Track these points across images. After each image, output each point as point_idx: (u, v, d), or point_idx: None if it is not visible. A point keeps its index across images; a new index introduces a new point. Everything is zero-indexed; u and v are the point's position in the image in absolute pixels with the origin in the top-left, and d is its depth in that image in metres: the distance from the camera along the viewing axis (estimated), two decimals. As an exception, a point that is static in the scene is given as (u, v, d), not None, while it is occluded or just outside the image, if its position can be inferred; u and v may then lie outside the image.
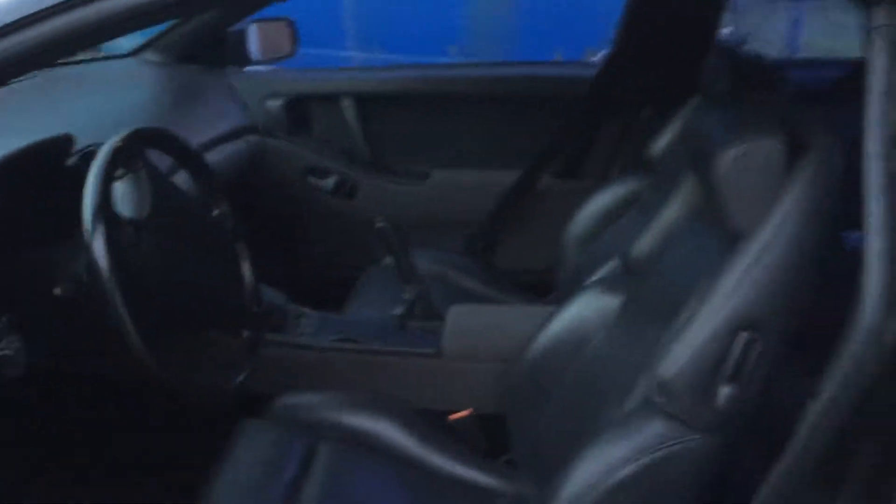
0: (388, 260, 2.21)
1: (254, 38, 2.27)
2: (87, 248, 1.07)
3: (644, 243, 1.44)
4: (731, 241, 1.02)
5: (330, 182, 2.35)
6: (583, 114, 2.31)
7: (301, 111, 2.37)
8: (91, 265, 1.06)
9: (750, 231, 0.98)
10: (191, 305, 1.27)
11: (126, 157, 1.16)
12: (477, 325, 1.71)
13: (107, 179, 1.10)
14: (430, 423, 1.56)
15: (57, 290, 1.13)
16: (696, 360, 0.97)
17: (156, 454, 1.57)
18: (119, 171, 1.15)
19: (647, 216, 1.91)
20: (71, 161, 1.36)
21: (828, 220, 0.97)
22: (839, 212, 0.98)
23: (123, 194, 1.16)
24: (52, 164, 1.32)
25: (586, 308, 1.43)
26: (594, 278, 1.75)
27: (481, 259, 2.40)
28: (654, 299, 1.25)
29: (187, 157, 1.36)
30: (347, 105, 2.35)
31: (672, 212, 1.41)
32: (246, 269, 1.39)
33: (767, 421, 1.00)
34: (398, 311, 1.75)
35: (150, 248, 1.16)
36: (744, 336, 0.95)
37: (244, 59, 2.28)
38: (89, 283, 1.10)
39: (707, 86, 1.60)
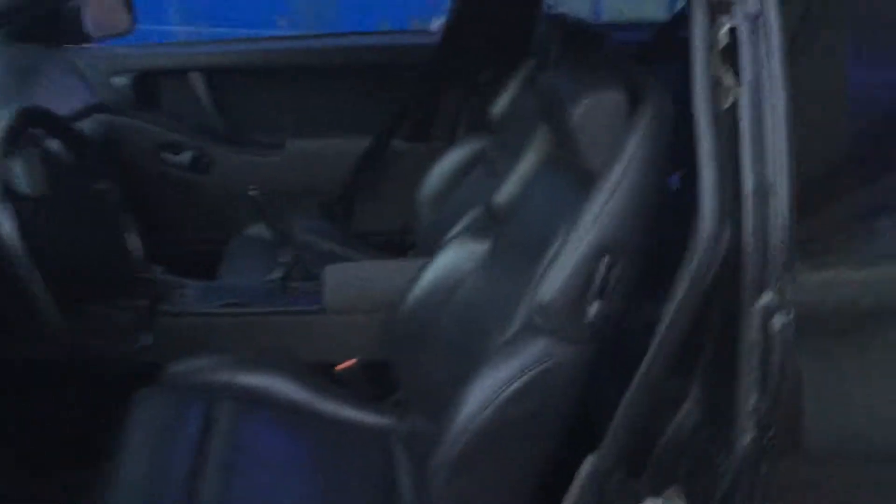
0: (252, 230, 2.29)
1: (88, 13, 2.23)
2: None
3: (504, 192, 1.59)
4: (586, 181, 1.20)
5: (185, 157, 2.36)
6: (427, 80, 2.44)
7: (149, 87, 2.37)
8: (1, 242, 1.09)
9: (602, 171, 1.16)
10: (87, 278, 1.31)
11: (15, 137, 1.19)
12: (354, 280, 1.82)
13: (1, 158, 1.13)
14: (319, 375, 1.68)
15: None
16: (568, 283, 1.14)
17: (51, 433, 1.59)
18: (11, 150, 1.17)
19: (494, 170, 2.09)
20: None
21: (665, 158, 1.16)
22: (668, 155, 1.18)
23: (18, 173, 1.18)
24: None
25: (456, 256, 1.58)
26: (457, 230, 1.91)
27: (339, 224, 2.50)
28: (521, 239, 1.41)
29: (67, 133, 1.38)
30: (196, 79, 2.37)
31: (527, 162, 1.58)
32: (134, 240, 1.44)
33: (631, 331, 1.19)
34: (277, 273, 1.84)
35: (48, 224, 1.20)
36: (606, 259, 1.13)
37: (81, 37, 2.25)
38: None
39: (541, 50, 1.79)
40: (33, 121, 1.29)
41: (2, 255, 1.10)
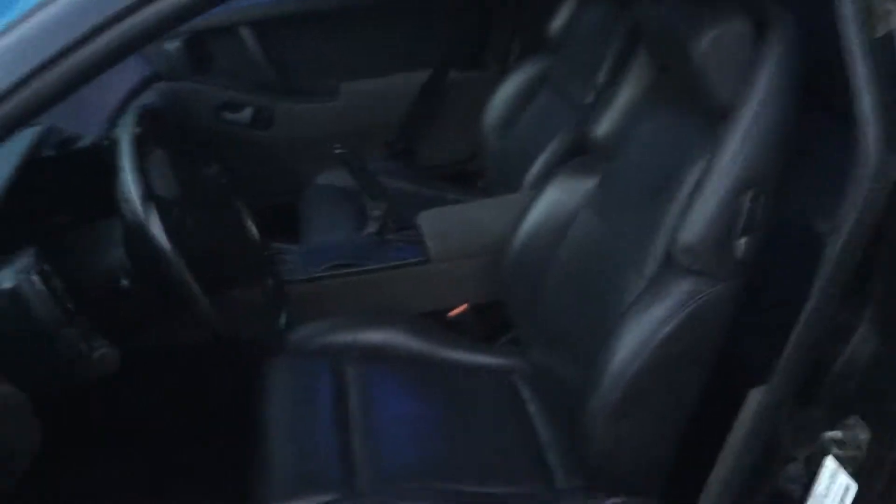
0: (322, 179, 2.29)
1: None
2: (136, 234, 1.11)
3: (604, 126, 1.57)
4: (713, 115, 1.18)
5: (246, 114, 2.35)
6: (476, 4, 2.39)
7: (200, 48, 2.33)
8: (152, 248, 1.10)
9: (735, 104, 1.14)
10: (223, 266, 1.33)
11: (144, 141, 1.19)
12: (452, 225, 1.83)
13: (140, 165, 1.14)
14: (433, 324, 1.71)
15: (123, 283, 1.17)
16: (713, 221, 1.14)
17: (204, 409, 1.64)
18: (143, 155, 1.18)
19: (565, 93, 2.06)
20: (48, 153, 1.35)
21: (798, 88, 1.15)
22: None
23: (155, 176, 1.19)
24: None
25: (561, 192, 1.57)
26: (542, 161, 1.91)
27: (404, 161, 2.50)
28: (637, 175, 1.41)
29: (173, 127, 1.38)
30: (246, 34, 2.33)
31: (626, 93, 1.56)
32: (251, 220, 1.45)
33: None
34: (372, 228, 1.85)
35: (188, 220, 1.21)
36: (749, 193, 1.13)
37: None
38: (148, 267, 1.14)
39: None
40: (152, 121, 1.28)
41: (156, 255, 1.12)
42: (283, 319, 1.42)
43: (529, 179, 1.89)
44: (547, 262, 1.56)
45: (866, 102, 0.96)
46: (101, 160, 1.26)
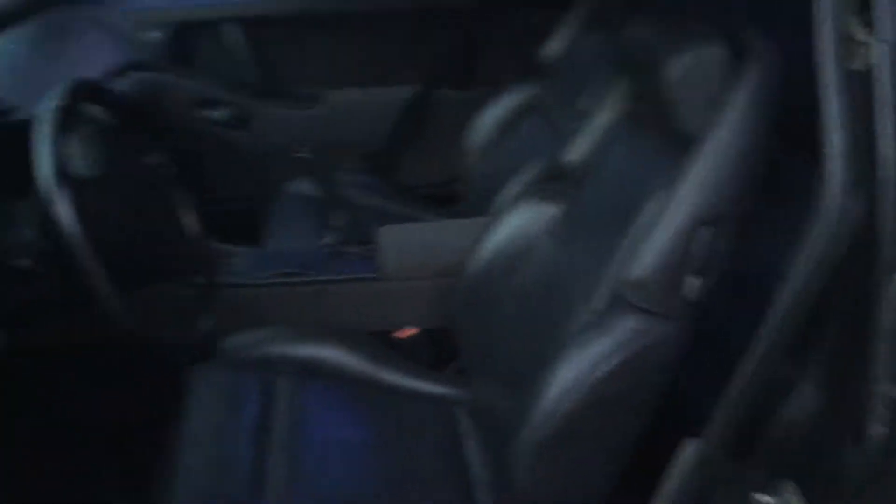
0: (294, 186, 2.21)
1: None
2: (48, 214, 1.02)
3: (576, 151, 1.50)
4: (681, 143, 1.10)
5: (223, 113, 2.28)
6: (471, 22, 2.33)
7: (183, 41, 2.27)
8: (59, 230, 1.01)
9: (703, 133, 1.05)
10: (146, 258, 1.24)
11: (69, 115, 1.11)
12: (412, 243, 1.75)
13: (56, 140, 1.05)
14: (378, 344, 1.61)
15: (22, 262, 1.08)
16: (664, 257, 1.05)
17: (113, 415, 1.54)
18: (65, 130, 1.09)
19: (551, 120, 1.99)
20: None
21: (771, 122, 1.06)
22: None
23: (75, 154, 1.10)
24: None
25: (525, 218, 1.49)
26: (517, 186, 1.82)
27: (384, 177, 2.42)
28: (601, 204, 1.32)
29: (117, 105, 1.30)
30: (231, 31, 2.27)
31: (601, 119, 1.48)
32: (190, 216, 1.36)
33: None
34: (330, 238, 1.76)
35: (108, 204, 1.12)
36: (707, 230, 1.04)
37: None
38: (55, 250, 1.05)
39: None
40: (85, 95, 1.20)
41: (61, 241, 1.03)
42: (205, 323, 1.32)
43: (498, 204, 1.80)
44: (501, 290, 1.48)
45: (836, 139, 0.87)
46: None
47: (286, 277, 1.67)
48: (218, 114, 2.27)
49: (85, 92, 1.20)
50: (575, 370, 1.10)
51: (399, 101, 2.36)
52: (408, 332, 1.67)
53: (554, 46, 2.09)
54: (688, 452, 1.03)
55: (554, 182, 1.55)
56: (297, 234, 1.93)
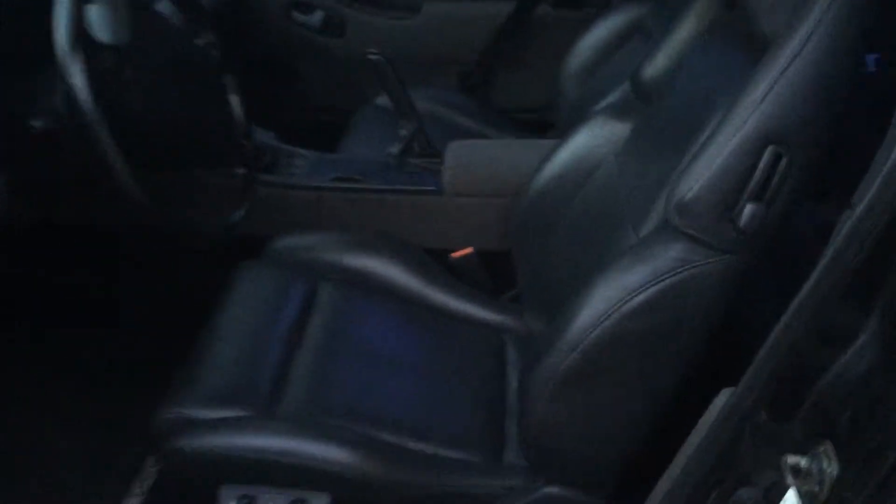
0: (382, 99, 2.13)
1: None
2: (63, 77, 0.98)
3: (656, 65, 1.35)
4: (757, 50, 0.95)
5: (317, 18, 2.22)
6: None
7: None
8: (70, 94, 0.98)
9: (779, 36, 0.90)
10: (178, 141, 1.20)
11: None
12: (477, 160, 1.65)
13: (79, 1, 1.01)
14: (432, 262, 1.53)
15: (36, 123, 1.06)
16: (719, 177, 0.91)
17: (153, 303, 1.54)
18: None
19: (653, 42, 1.82)
20: None
21: (860, 29, 0.89)
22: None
23: (99, 18, 1.06)
24: None
25: (593, 136, 1.36)
26: (599, 107, 1.68)
27: (477, 96, 2.31)
28: (669, 121, 1.18)
29: None
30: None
31: (684, 31, 1.32)
32: (235, 103, 1.31)
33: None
34: (395, 148, 1.68)
35: (132, 76, 1.08)
36: (771, 150, 0.90)
37: None
38: (69, 115, 1.02)
39: None
40: None
41: (74, 111, 0.99)
42: (237, 215, 1.27)
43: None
44: (559, 213, 1.37)
45: None
46: None
47: (344, 183, 1.61)
48: (310, 18, 2.21)
49: None
50: (606, 298, 0.99)
51: (499, 17, 2.23)
52: (464, 251, 1.58)
53: None
54: (719, 402, 0.91)
55: (631, 100, 1.41)
56: (370, 144, 1.86)
